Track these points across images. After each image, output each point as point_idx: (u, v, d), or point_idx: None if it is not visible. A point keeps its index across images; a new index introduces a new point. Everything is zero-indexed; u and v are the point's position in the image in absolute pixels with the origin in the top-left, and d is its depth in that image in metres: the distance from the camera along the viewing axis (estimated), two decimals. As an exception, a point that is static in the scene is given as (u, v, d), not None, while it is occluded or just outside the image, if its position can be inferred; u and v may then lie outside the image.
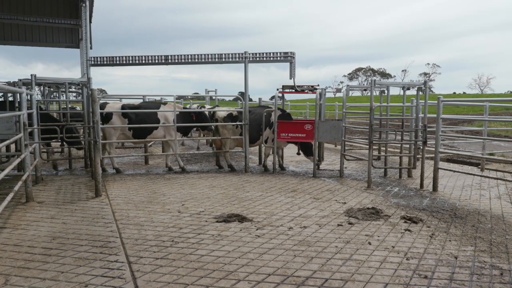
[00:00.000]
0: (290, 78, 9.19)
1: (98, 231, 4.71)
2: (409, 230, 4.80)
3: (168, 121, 9.08)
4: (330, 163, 10.34)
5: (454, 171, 8.05)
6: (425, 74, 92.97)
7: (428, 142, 7.81)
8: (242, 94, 9.35)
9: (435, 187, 7.14)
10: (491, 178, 7.99)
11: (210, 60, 9.34)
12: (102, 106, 8.98)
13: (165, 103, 9.47)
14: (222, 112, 9.47)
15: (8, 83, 10.33)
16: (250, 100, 17.38)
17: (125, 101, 11.60)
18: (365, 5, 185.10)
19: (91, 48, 10.29)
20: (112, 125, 8.83)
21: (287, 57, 9.12)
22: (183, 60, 9.43)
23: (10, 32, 14.70)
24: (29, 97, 7.67)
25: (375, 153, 10.31)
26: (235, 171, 9.11)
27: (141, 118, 8.92)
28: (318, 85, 9.03)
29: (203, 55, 9.36)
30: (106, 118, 8.85)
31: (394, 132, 8.80)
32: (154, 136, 9.18)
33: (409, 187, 7.50)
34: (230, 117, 9.29)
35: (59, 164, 10.26)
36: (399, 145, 9.27)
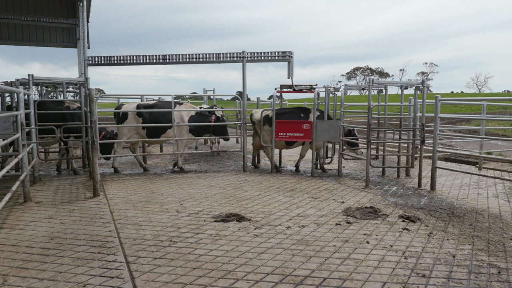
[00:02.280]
0: (288, 78, 9.21)
1: (96, 231, 4.71)
2: (407, 229, 4.81)
3: (183, 121, 9.05)
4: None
5: (452, 170, 8.06)
6: (423, 73, 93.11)
7: (426, 141, 7.83)
8: (240, 93, 9.35)
9: (433, 186, 7.16)
10: (489, 177, 7.99)
11: (208, 59, 9.35)
12: (119, 107, 9.15)
13: (181, 103, 9.49)
14: (259, 114, 9.29)
15: (6, 83, 10.30)
16: (248, 99, 17.38)
17: (121, 100, 11.59)
18: (363, 5, 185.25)
19: (88, 47, 10.29)
20: (129, 123, 8.87)
21: (285, 57, 9.13)
22: (181, 60, 9.44)
23: (7, 31, 14.66)
24: (26, 97, 7.65)
25: (373, 152, 10.33)
26: (258, 170, 9.09)
27: (155, 118, 8.91)
28: (316, 85, 9.04)
29: (201, 55, 9.37)
30: (123, 118, 8.93)
31: (392, 131, 8.82)
32: (167, 135, 9.18)
33: (407, 186, 7.51)
34: (266, 119, 9.09)
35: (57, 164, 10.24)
36: (397, 144, 9.29)
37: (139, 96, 11.50)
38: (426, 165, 9.12)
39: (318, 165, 9.23)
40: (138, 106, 9.05)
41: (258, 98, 12.27)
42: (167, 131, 9.06)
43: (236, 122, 9.30)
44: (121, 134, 9.00)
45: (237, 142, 15.06)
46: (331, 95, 9.06)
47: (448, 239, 4.47)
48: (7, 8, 14.10)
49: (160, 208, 5.76)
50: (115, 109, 9.20)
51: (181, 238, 4.46)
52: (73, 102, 9.19)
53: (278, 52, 9.16)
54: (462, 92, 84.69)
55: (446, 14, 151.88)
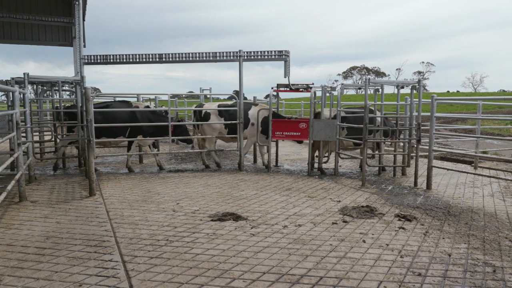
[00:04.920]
0: (285, 77, 9.19)
1: (92, 230, 4.69)
2: (403, 228, 4.82)
3: (257, 122, 9.33)
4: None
5: (448, 169, 8.10)
6: (419, 72, 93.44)
7: (422, 141, 7.85)
8: (237, 92, 9.34)
9: (429, 185, 7.18)
10: (484, 176, 8.05)
11: (204, 58, 9.32)
12: (200, 106, 9.69)
13: (256, 104, 9.67)
14: (327, 112, 9.06)
15: (1, 82, 10.24)
16: (245, 98, 17.36)
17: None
18: (360, 5, 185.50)
19: (84, 46, 10.23)
20: (211, 124, 9.32)
21: (282, 56, 9.12)
22: (177, 59, 9.40)
23: (2, 30, 14.55)
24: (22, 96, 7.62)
25: (369, 151, 10.33)
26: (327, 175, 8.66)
27: (233, 118, 9.17)
28: (313, 84, 9.04)
29: (197, 54, 9.33)
30: (205, 117, 9.35)
31: (389, 130, 8.83)
32: (244, 134, 9.38)
33: (403, 185, 7.54)
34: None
35: (52, 163, 10.19)
36: (393, 143, 9.30)
37: (136, 95, 11.47)
38: (422, 164, 9.14)
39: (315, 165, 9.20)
40: (220, 107, 9.53)
41: (254, 97, 12.28)
42: (244, 130, 9.34)
43: (233, 121, 9.28)
44: (205, 132, 9.41)
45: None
46: (327, 94, 9.06)
47: (444, 238, 4.49)
48: (2, 6, 13.99)
49: (156, 207, 5.75)
50: (196, 107, 9.87)
51: (177, 237, 4.46)
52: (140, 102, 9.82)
53: (275, 51, 9.14)
54: (458, 91, 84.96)
55: (442, 14, 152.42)
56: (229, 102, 9.95)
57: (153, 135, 9.17)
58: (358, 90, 13.37)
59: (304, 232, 4.66)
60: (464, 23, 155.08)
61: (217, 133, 9.45)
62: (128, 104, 9.31)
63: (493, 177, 7.51)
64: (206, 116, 9.36)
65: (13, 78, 8.47)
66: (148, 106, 9.58)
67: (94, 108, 8.83)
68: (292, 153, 12.25)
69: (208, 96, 15.56)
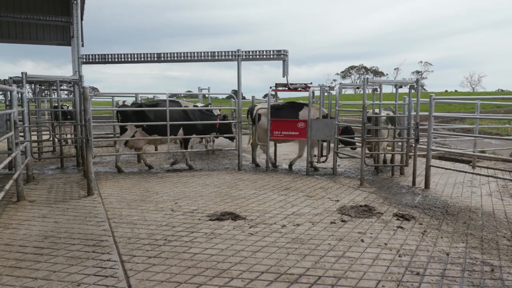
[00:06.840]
0: (283, 76, 9.19)
1: (91, 230, 4.68)
2: (401, 227, 4.83)
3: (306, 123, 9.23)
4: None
5: (446, 169, 8.11)
6: (418, 72, 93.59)
7: (420, 140, 7.86)
8: (235, 92, 9.34)
9: (427, 185, 7.20)
10: (482, 175, 8.07)
11: (203, 58, 9.30)
12: (252, 108, 9.71)
13: (307, 105, 9.55)
14: (383, 117, 8.81)
15: (-2, 81, 10.20)
16: (243, 98, 17.34)
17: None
18: (358, 4, 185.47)
19: (82, 45, 10.20)
20: (263, 124, 9.19)
21: (280, 55, 9.11)
22: (175, 58, 9.38)
23: (-1, 29, 14.50)
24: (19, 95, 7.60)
25: (368, 151, 10.33)
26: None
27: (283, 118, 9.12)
28: (311, 83, 9.05)
29: (196, 53, 9.32)
30: (258, 118, 9.34)
31: (387, 130, 8.84)
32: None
33: (402, 185, 7.55)
34: (391, 120, 8.75)
35: (50, 163, 10.17)
36: (392, 143, 9.31)
37: (134, 95, 11.44)
38: (420, 163, 9.15)
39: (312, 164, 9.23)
40: (272, 107, 9.44)
41: (253, 97, 12.26)
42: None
43: (232, 121, 9.30)
44: (259, 133, 9.36)
45: (232, 141, 15.05)
46: (326, 93, 9.07)
47: (442, 237, 4.50)
48: (0, 6, 13.94)
49: (155, 207, 5.74)
50: (249, 109, 9.88)
51: (176, 237, 4.45)
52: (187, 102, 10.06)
53: (273, 51, 9.13)
54: (456, 91, 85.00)
55: (441, 13, 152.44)
56: (281, 102, 9.82)
57: (203, 133, 9.47)
58: (357, 90, 13.37)
59: (302, 231, 4.66)
60: (462, 22, 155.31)
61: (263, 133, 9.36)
62: (177, 104, 9.57)
63: (491, 176, 7.53)
64: (259, 117, 9.29)
65: (11, 78, 8.45)
66: (196, 106, 9.70)
67: (146, 106, 8.99)
68: (290, 152, 12.24)
69: (207, 95, 15.52)
